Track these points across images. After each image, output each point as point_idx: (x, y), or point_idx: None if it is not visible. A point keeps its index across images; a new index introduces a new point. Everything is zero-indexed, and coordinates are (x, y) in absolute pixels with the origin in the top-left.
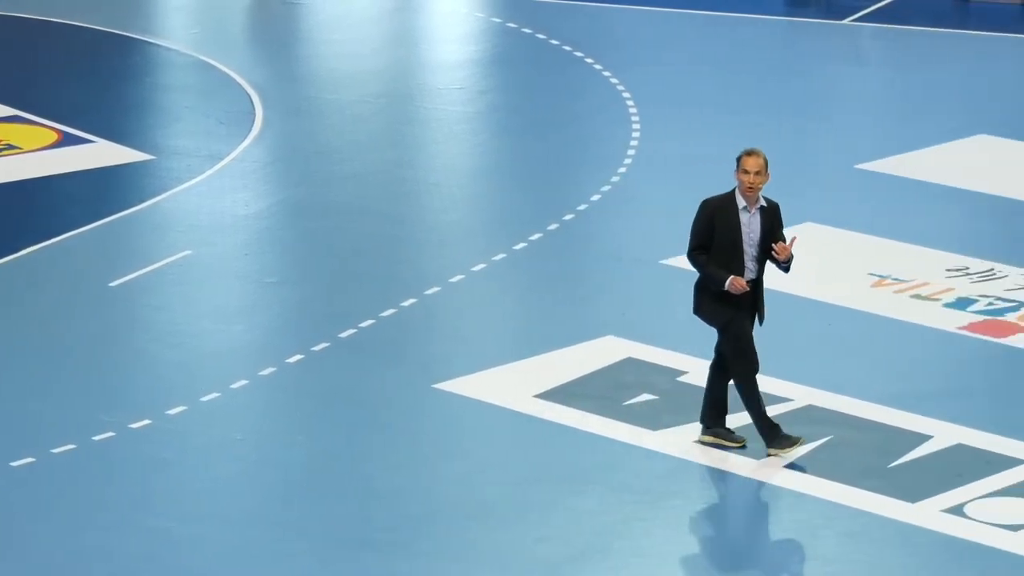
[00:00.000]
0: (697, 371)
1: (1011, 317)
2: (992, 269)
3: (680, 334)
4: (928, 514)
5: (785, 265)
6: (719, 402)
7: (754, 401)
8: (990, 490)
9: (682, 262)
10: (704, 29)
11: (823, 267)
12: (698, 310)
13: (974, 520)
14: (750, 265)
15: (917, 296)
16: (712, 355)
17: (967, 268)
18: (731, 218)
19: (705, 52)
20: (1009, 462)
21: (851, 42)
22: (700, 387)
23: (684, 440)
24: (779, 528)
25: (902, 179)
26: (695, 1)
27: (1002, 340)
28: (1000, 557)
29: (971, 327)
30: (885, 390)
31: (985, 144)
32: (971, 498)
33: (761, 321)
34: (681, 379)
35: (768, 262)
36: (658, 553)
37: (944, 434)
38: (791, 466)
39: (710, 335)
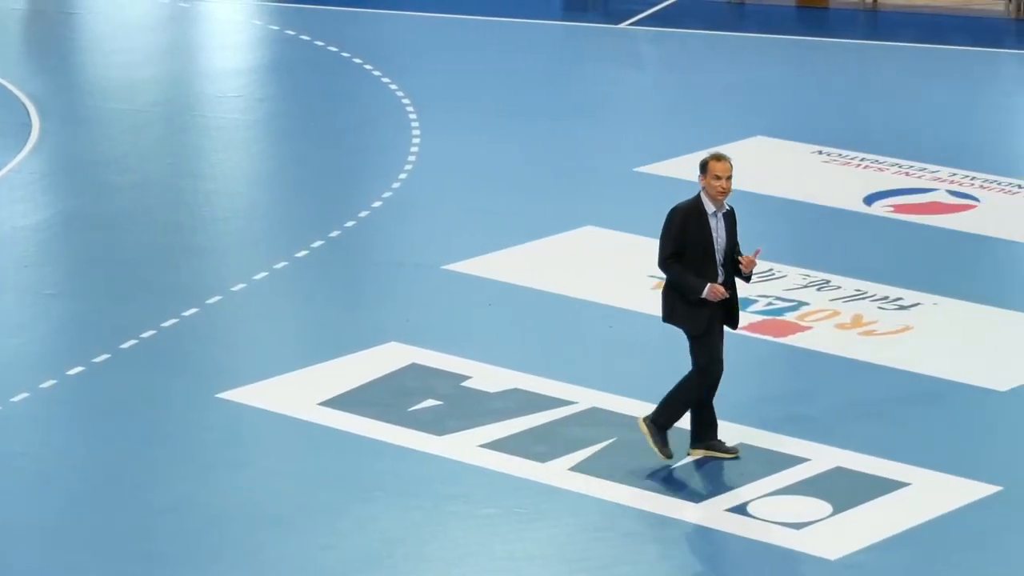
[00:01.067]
0: (481, 375)
1: (790, 317)
2: (771, 269)
3: (463, 339)
4: (712, 513)
5: (747, 275)
6: (706, 414)
7: (684, 406)
8: (773, 488)
9: (465, 267)
10: (482, 34)
11: (604, 270)
12: (671, 317)
13: (758, 518)
14: (720, 270)
15: None
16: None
17: None
18: (702, 224)
19: (484, 57)
20: (790, 460)
21: (630, 46)
22: (484, 391)
23: (469, 445)
24: (562, 531)
25: (681, 181)
26: (472, 7)
27: (781, 339)
28: (784, 555)
29: (751, 327)
30: (667, 391)
31: (762, 145)
32: (754, 497)
33: (735, 325)
34: (465, 384)
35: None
36: (442, 558)
37: (727, 434)
38: (576, 468)
39: (493, 339)
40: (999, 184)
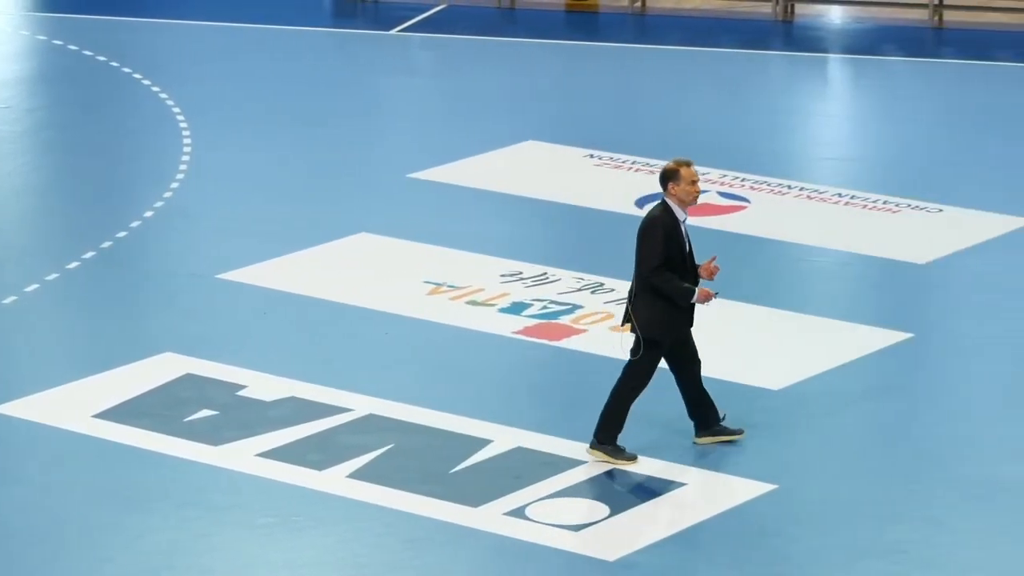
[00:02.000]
0: (256, 384)
1: (565, 320)
2: (545, 273)
3: (238, 348)
4: (490, 517)
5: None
6: (703, 400)
7: (623, 412)
8: (550, 492)
9: (239, 275)
10: (252, 42)
11: (379, 277)
12: (649, 328)
13: (535, 521)
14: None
15: (473, 302)
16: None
17: (520, 273)
18: (678, 232)
19: (253, 65)
20: (567, 463)
21: (401, 52)
22: (260, 400)
23: (245, 454)
24: (340, 538)
25: (454, 187)
26: (243, 15)
27: (556, 343)
28: (562, 557)
29: (526, 331)
30: (444, 396)
31: (533, 150)
32: (531, 500)
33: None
34: (241, 393)
35: None
36: (221, 568)
37: (503, 438)
38: (353, 475)
39: (269, 348)
40: (768, 185)
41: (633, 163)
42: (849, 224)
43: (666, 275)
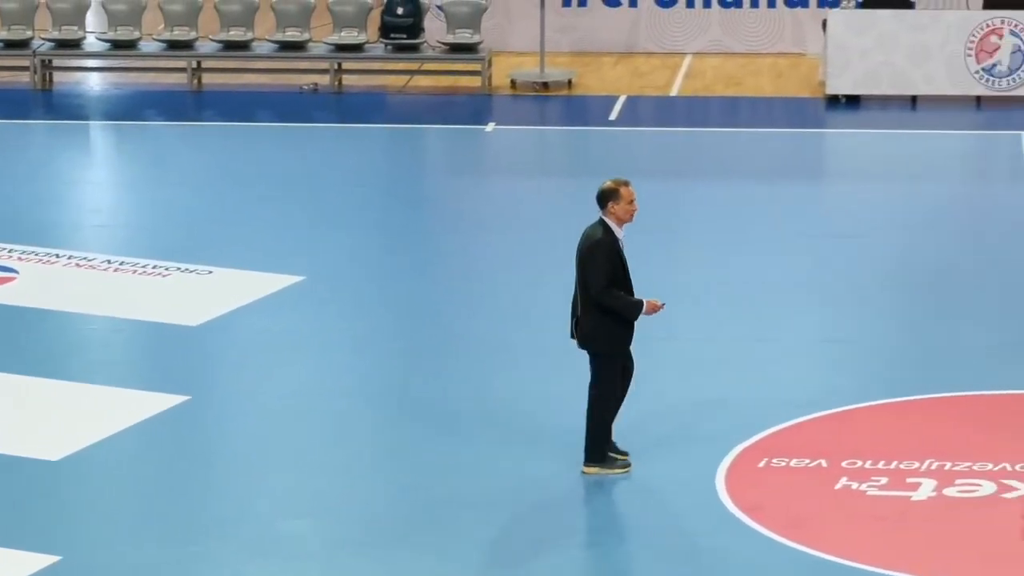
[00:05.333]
0: None
1: None
2: None
3: None
4: None
5: None
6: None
7: (605, 427)
8: None
9: None
10: None
11: None
12: (595, 343)
13: None
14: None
15: None
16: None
17: None
18: (620, 250)
19: None
20: None
21: None
22: None
23: None
24: None
25: None
26: None
27: None
28: None
29: None
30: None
31: None
32: None
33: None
34: None
35: None
36: None
37: None
38: None
39: None
40: (36, 255)
41: None
42: (120, 290)
43: (614, 292)
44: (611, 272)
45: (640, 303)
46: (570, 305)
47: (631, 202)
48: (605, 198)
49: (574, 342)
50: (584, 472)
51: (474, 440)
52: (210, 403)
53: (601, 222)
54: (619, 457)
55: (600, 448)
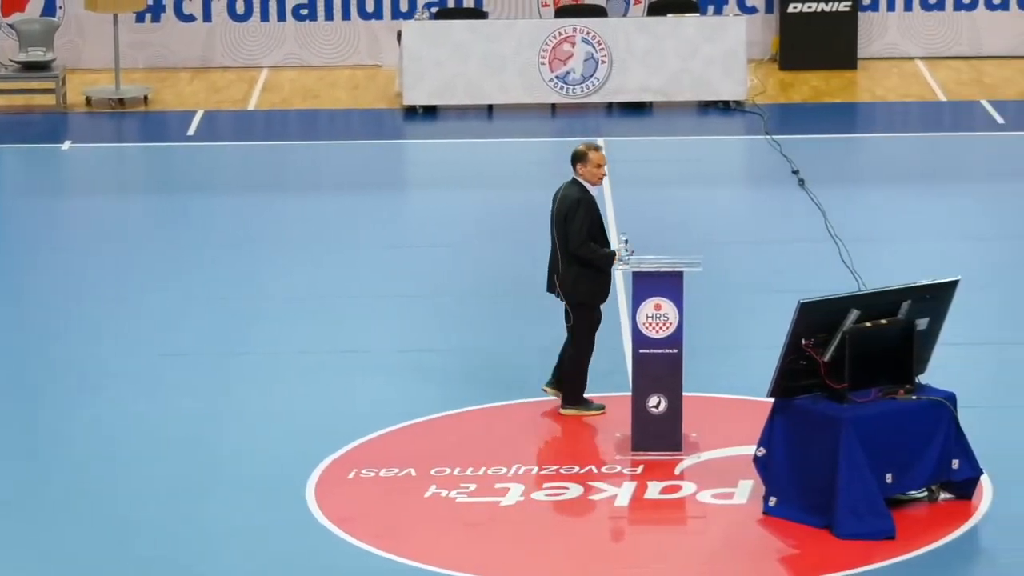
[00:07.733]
0: None
1: None
2: None
3: None
4: None
5: None
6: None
7: (582, 373)
8: None
9: None
10: None
11: None
12: (579, 294)
13: None
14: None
15: None
16: None
17: None
18: (595, 206)
19: None
20: None
21: None
22: None
23: None
24: None
25: None
26: None
27: None
28: None
29: None
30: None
31: None
32: None
33: None
34: None
35: None
36: None
37: None
38: None
39: None
40: None
41: None
42: None
43: (591, 246)
44: (590, 227)
45: (613, 254)
46: (547, 262)
47: (600, 166)
48: (575, 160)
49: (553, 296)
50: (561, 412)
51: None
52: None
53: (575, 182)
54: (592, 401)
55: (577, 392)
